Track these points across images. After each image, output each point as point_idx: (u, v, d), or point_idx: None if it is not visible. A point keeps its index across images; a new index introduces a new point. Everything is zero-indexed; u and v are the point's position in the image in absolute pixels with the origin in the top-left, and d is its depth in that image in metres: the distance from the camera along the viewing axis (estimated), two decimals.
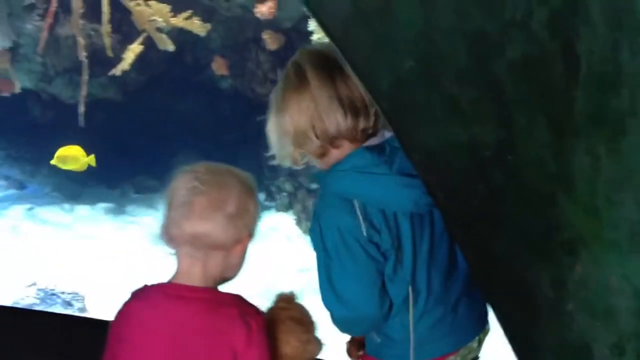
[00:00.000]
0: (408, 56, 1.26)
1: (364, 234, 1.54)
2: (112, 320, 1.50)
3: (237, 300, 1.48)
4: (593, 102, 1.18)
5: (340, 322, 1.63)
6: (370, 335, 1.69)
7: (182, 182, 1.47)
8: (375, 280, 1.57)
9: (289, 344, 1.55)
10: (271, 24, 6.48)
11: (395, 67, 1.28)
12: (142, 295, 1.50)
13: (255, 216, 1.50)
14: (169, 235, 1.47)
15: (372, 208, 1.56)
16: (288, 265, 5.51)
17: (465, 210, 1.35)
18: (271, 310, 1.58)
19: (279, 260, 5.57)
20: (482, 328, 1.71)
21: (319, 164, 1.67)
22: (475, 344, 1.69)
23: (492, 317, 1.56)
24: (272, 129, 1.64)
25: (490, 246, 1.36)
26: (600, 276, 1.26)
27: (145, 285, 1.51)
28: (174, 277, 1.50)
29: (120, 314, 1.50)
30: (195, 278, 1.46)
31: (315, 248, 1.60)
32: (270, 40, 6.56)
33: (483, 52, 1.23)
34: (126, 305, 1.50)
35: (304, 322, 1.58)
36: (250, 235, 1.50)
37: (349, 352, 1.79)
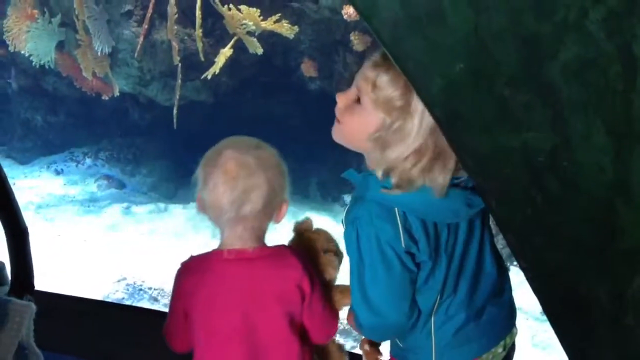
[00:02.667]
0: (458, 60, 1.24)
1: (402, 245, 1.51)
2: (175, 295, 1.63)
3: (288, 250, 1.63)
4: None
5: (367, 328, 1.61)
6: (394, 339, 1.68)
7: (222, 158, 1.54)
8: (407, 291, 1.55)
9: (327, 273, 1.69)
10: (359, 25, 6.49)
11: (445, 71, 1.26)
12: (200, 266, 1.60)
13: (288, 182, 1.60)
14: (213, 208, 1.54)
15: (412, 217, 1.52)
16: None
17: (519, 218, 1.31)
18: (302, 241, 1.71)
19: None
20: (507, 332, 1.66)
21: (333, 134, 1.62)
22: (500, 349, 1.64)
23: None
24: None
25: (546, 256, 1.31)
26: None
27: (193, 257, 1.63)
28: (223, 244, 1.59)
29: (184, 286, 1.61)
30: (247, 242, 1.57)
31: (349, 253, 1.57)
32: (358, 42, 6.57)
33: (535, 55, 1.19)
34: (186, 278, 1.61)
35: (333, 249, 1.71)
36: (287, 200, 1.60)
37: (364, 348, 1.77)
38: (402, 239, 1.51)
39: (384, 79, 1.50)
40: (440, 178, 1.49)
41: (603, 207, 1.22)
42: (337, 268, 1.72)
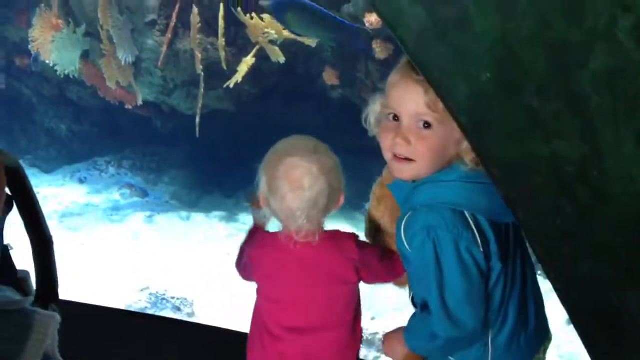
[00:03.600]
0: (485, 67, 1.23)
1: (480, 248, 1.48)
2: (247, 247, 1.87)
3: (340, 233, 1.80)
4: None
5: (446, 343, 1.55)
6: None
7: (285, 166, 1.70)
8: (483, 297, 1.52)
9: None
10: (380, 33, 6.48)
11: (472, 78, 1.25)
12: (270, 241, 1.81)
13: (343, 176, 1.76)
14: (282, 213, 1.73)
15: (482, 220, 1.50)
16: None
17: (548, 228, 1.29)
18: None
19: None
20: (547, 337, 1.63)
21: (404, 174, 1.59)
22: (541, 355, 1.62)
23: None
24: None
25: (575, 266, 1.29)
26: None
27: (262, 233, 1.86)
28: (289, 230, 1.77)
29: (253, 252, 1.84)
30: (311, 230, 1.74)
31: (425, 266, 1.51)
32: (380, 50, 6.56)
33: (564, 63, 1.17)
34: (255, 246, 1.85)
35: None
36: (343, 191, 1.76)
37: None
38: (479, 242, 1.48)
39: (421, 90, 1.49)
40: None
41: (633, 216, 1.20)
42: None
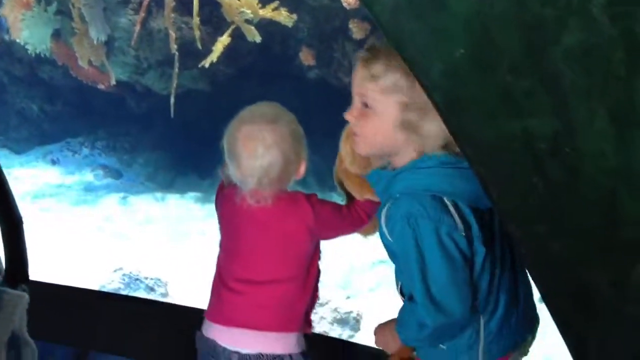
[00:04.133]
0: (459, 44, 1.22)
1: (462, 233, 1.47)
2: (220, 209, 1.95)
3: (302, 196, 1.85)
4: None
5: (434, 331, 1.54)
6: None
7: (241, 134, 1.78)
8: (469, 282, 1.50)
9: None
10: (357, 13, 6.45)
11: (446, 55, 1.24)
12: (230, 196, 1.88)
13: (304, 145, 1.83)
14: (237, 179, 1.81)
15: (462, 205, 1.49)
16: (366, 257, 5.48)
17: (521, 206, 1.29)
18: None
19: (355, 255, 5.55)
20: (537, 321, 1.64)
21: (355, 148, 1.62)
22: (530, 337, 1.63)
23: None
24: None
25: (547, 244, 1.29)
26: None
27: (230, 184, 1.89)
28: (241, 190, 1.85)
29: (225, 200, 1.91)
30: (266, 194, 1.82)
31: (407, 254, 1.51)
32: (357, 29, 6.54)
33: (538, 40, 1.16)
34: (224, 200, 1.92)
35: None
36: (305, 159, 1.84)
37: None
38: (459, 227, 1.47)
39: (379, 68, 1.50)
40: None
41: (605, 194, 1.20)
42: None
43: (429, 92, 1.32)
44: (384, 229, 1.56)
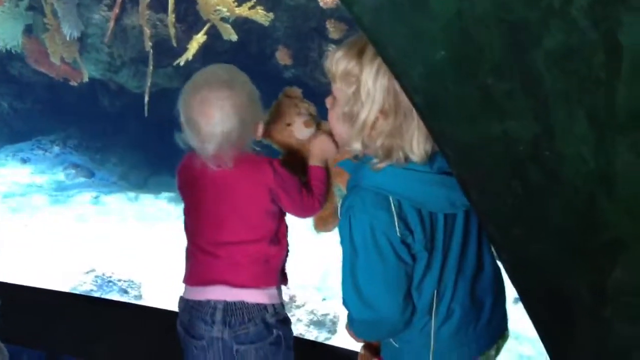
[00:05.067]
0: (440, 46, 1.21)
1: (398, 234, 1.47)
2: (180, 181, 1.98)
3: (264, 159, 1.88)
4: (636, 96, 1.10)
5: (359, 324, 1.56)
6: (386, 342, 1.63)
7: (198, 97, 1.78)
8: (402, 283, 1.50)
9: (299, 130, 1.94)
10: (334, 12, 6.45)
11: (427, 57, 1.23)
12: (189, 163, 1.92)
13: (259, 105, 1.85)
14: (195, 143, 1.81)
15: (407, 206, 1.48)
16: (340, 260, 5.46)
17: (500, 209, 1.29)
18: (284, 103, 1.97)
19: (331, 257, 5.54)
20: (501, 334, 1.64)
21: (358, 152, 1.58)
22: (492, 352, 1.62)
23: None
24: None
25: (526, 247, 1.29)
26: None
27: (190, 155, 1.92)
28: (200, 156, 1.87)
29: (185, 173, 1.95)
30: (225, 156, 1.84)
31: (343, 244, 1.53)
32: (333, 29, 6.53)
33: (519, 42, 1.16)
34: (185, 170, 1.94)
35: (307, 107, 1.97)
36: (262, 119, 1.87)
37: (360, 354, 1.74)
38: (397, 227, 1.47)
39: (338, 55, 1.50)
40: (415, 141, 1.46)
41: (584, 198, 1.20)
42: (310, 126, 1.94)
43: (409, 94, 1.31)
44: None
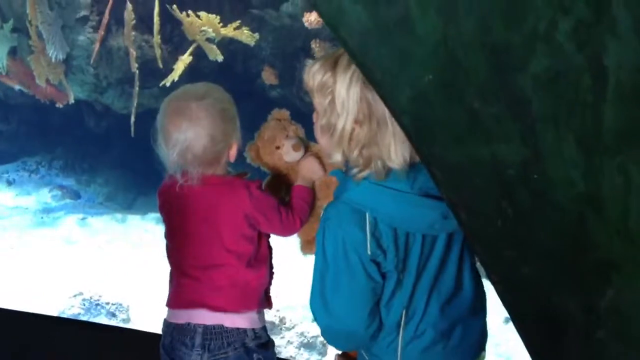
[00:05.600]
0: (427, 70, 1.22)
1: (368, 252, 1.47)
2: (160, 204, 1.97)
3: (242, 179, 1.88)
4: (623, 118, 1.11)
5: (324, 332, 1.59)
6: (360, 353, 1.65)
7: (169, 109, 1.82)
8: (368, 299, 1.51)
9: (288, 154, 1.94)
10: (319, 32, 6.48)
11: (414, 80, 1.23)
12: (165, 187, 1.92)
13: (235, 126, 1.84)
14: (165, 153, 1.82)
15: (383, 224, 1.48)
16: None
17: (490, 231, 1.29)
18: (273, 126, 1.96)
19: None
20: (476, 355, 1.63)
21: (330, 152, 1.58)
22: None
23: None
24: None
25: (517, 269, 1.29)
26: (633, 301, 1.18)
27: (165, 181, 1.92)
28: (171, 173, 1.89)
29: (164, 196, 1.94)
30: (195, 175, 1.83)
31: (316, 252, 1.55)
32: (319, 49, 6.56)
33: (505, 65, 1.17)
34: (165, 191, 1.93)
35: (295, 131, 1.97)
36: (236, 141, 1.85)
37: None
38: (368, 245, 1.47)
39: (314, 69, 1.51)
40: (393, 149, 1.46)
41: (574, 219, 1.21)
42: (298, 149, 1.93)
43: (397, 117, 1.31)
44: None
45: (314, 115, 1.59)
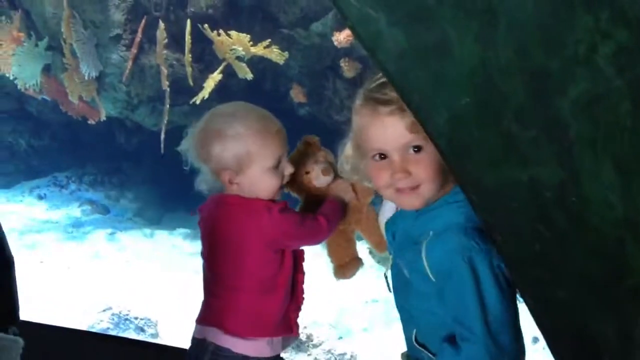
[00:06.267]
0: (464, 93, 1.22)
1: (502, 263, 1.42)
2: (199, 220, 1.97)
3: (265, 201, 1.85)
4: None
5: None
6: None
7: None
8: (518, 316, 1.45)
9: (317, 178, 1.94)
10: (348, 51, 6.51)
11: (451, 103, 1.24)
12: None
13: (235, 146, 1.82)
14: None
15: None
16: (357, 296, 5.42)
17: (526, 254, 1.28)
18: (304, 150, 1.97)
19: (348, 291, 5.49)
20: None
21: (416, 203, 1.53)
22: None
23: None
24: None
25: (552, 293, 1.28)
26: None
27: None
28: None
29: (201, 212, 1.95)
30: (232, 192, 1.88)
31: (460, 292, 1.43)
32: (348, 68, 6.58)
33: (544, 90, 1.17)
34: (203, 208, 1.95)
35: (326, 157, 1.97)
36: (231, 170, 1.83)
37: None
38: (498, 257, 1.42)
39: (403, 111, 1.48)
40: None
41: (612, 243, 1.20)
42: (328, 174, 1.93)
43: (433, 139, 1.32)
44: (426, 268, 1.49)
45: (404, 163, 1.52)
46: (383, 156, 1.53)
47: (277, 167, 1.85)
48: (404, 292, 1.63)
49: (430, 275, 1.49)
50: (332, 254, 2.02)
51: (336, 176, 1.96)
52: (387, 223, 1.71)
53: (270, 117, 1.90)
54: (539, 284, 1.31)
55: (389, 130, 1.50)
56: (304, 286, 1.95)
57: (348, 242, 1.98)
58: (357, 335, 5.02)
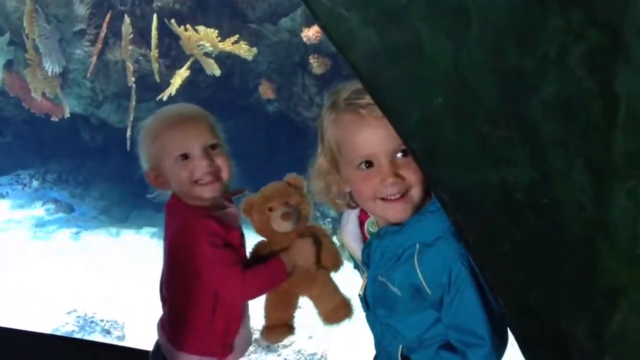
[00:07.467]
0: (437, 93, 1.21)
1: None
2: None
3: (188, 209, 1.82)
4: (633, 143, 1.11)
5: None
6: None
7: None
8: None
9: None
10: (318, 48, 6.50)
11: (423, 103, 1.23)
12: None
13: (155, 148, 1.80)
14: None
15: None
16: None
17: (498, 255, 1.28)
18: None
19: None
20: None
21: (406, 211, 1.49)
22: None
23: None
24: None
25: (524, 293, 1.28)
26: None
27: None
28: None
29: None
30: None
31: (470, 299, 1.42)
32: (317, 64, 6.57)
33: (516, 90, 1.17)
34: None
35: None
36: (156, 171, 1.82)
37: None
38: None
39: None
40: None
41: (583, 244, 1.20)
42: (287, 220, 1.75)
43: (405, 140, 1.31)
44: (422, 281, 1.46)
45: (394, 168, 1.48)
46: (369, 164, 1.48)
47: (186, 157, 1.76)
48: (388, 308, 1.57)
49: (427, 288, 1.45)
50: (266, 311, 1.85)
51: (305, 234, 1.79)
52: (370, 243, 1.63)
53: (187, 109, 1.88)
54: (512, 285, 1.31)
55: (378, 133, 1.44)
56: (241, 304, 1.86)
57: (286, 307, 1.84)
58: (327, 334, 5.02)
